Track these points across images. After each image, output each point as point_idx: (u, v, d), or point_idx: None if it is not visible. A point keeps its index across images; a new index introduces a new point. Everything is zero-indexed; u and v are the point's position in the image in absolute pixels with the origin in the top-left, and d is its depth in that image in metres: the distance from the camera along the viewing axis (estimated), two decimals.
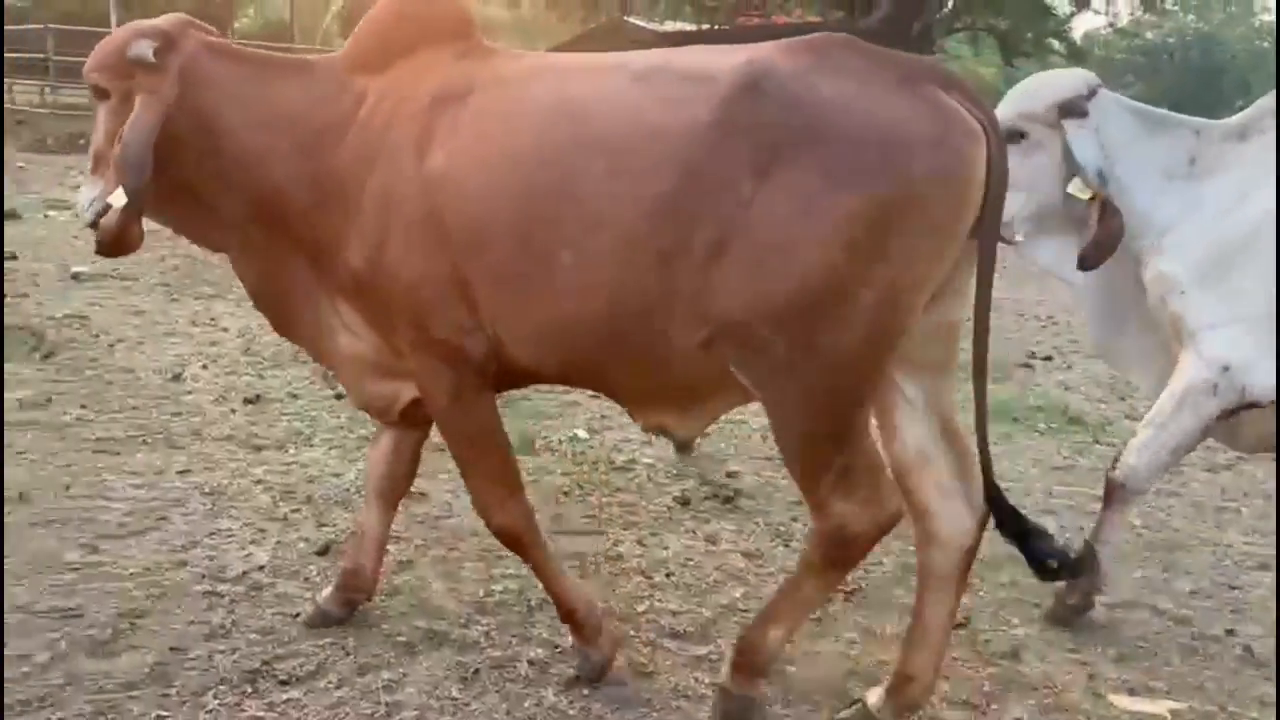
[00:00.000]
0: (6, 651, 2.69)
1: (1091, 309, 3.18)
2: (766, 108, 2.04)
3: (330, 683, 2.67)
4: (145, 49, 2.42)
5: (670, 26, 26.84)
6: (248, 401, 4.86)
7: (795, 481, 2.30)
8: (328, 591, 2.92)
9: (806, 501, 2.30)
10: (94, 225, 2.52)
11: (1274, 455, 3.09)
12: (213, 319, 6.49)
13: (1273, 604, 3.33)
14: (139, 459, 4.05)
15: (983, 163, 2.05)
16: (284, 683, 2.67)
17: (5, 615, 2.83)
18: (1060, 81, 3.06)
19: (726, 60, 2.15)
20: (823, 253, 1.99)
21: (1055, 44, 25.94)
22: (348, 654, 2.79)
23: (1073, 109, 2.93)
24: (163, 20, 2.54)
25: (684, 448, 2.51)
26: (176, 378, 5.16)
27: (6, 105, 17.79)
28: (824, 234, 1.98)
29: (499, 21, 36.88)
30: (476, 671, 2.74)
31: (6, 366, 5.01)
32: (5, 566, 3.09)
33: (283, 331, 2.78)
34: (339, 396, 4.89)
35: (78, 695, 2.54)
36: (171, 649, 2.77)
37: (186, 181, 2.50)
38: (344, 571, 2.90)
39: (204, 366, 5.41)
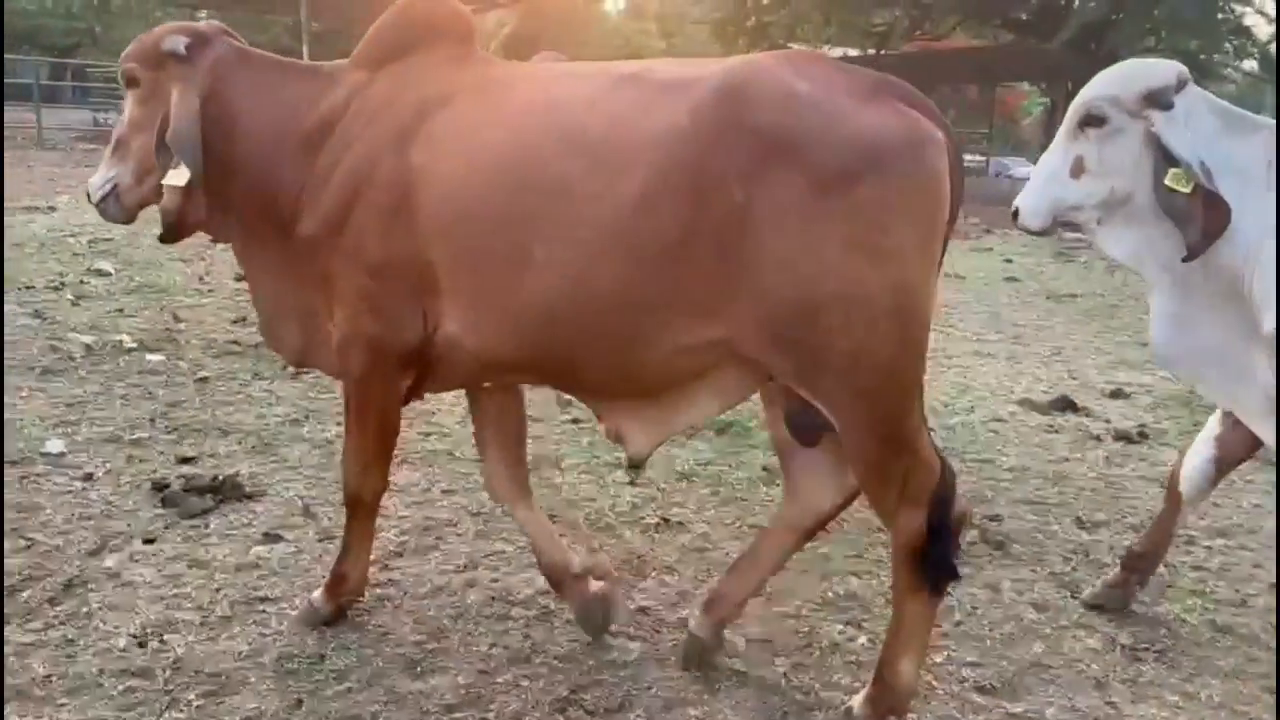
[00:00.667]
0: (323, 665, 2.78)
1: (1160, 309, 2.92)
2: (750, 112, 2.12)
3: (639, 715, 2.65)
4: (178, 43, 2.66)
5: (836, 52, 26.63)
6: None
7: (868, 497, 2.36)
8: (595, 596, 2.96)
9: (879, 517, 2.37)
10: (100, 205, 2.76)
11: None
12: None
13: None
14: (403, 477, 4.16)
15: (947, 166, 2.16)
16: (591, 713, 2.66)
17: (311, 630, 2.93)
18: (1151, 70, 2.88)
19: (706, 69, 2.26)
20: (827, 259, 2.09)
21: (1247, 66, 24.66)
22: (649, 687, 2.77)
23: (1159, 99, 2.79)
24: (200, 24, 2.81)
25: (635, 467, 2.68)
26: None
27: None
28: (823, 240, 2.08)
29: (654, 50, 37.18)
30: (785, 714, 2.68)
31: (266, 384, 5.27)
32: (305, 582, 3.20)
33: (268, 331, 2.89)
34: (574, 421, 4.94)
35: (402, 714, 2.59)
36: (480, 671, 2.80)
37: (211, 170, 2.65)
38: (550, 572, 3.00)
39: None
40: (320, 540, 3.52)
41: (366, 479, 2.73)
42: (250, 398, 5.07)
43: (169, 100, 2.62)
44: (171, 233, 2.73)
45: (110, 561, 3.26)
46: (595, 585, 2.95)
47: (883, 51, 24.08)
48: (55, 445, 4.16)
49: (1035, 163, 3.17)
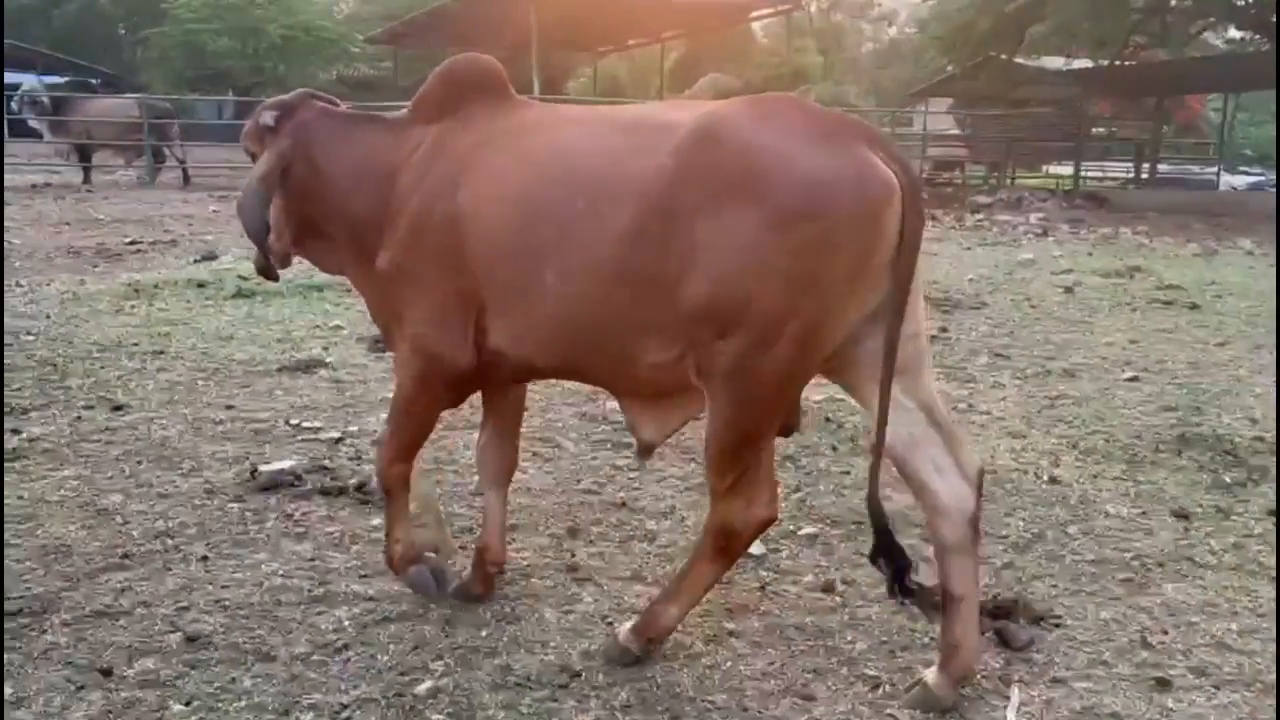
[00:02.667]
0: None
1: None
2: (715, 153, 2.36)
3: None
4: (269, 118, 3.04)
5: (1053, 64, 26.00)
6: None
7: (707, 475, 2.60)
8: (468, 574, 3.16)
9: (710, 495, 2.60)
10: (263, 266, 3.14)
11: None
12: None
13: None
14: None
15: (896, 210, 2.32)
16: None
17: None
18: None
19: (691, 113, 2.51)
20: (759, 283, 2.31)
21: None
22: None
23: None
24: (290, 95, 3.19)
25: (645, 453, 2.84)
26: None
27: None
28: (761, 266, 2.30)
29: (813, 65, 37.05)
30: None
31: None
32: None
33: (385, 335, 3.17)
34: None
35: None
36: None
37: (310, 217, 3.04)
38: (478, 550, 3.17)
39: None
40: None
41: (395, 467, 3.02)
42: None
43: None
44: (264, 273, 3.17)
45: None
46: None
47: (1114, 63, 23.45)
48: None
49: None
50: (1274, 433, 4.78)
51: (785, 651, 2.85)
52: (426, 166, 2.85)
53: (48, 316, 6.75)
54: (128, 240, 10.86)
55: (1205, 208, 18.71)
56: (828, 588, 3.24)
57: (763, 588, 3.23)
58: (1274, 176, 26.23)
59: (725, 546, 2.61)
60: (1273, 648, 2.93)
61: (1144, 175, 25.36)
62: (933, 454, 2.55)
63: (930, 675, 2.61)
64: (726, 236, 2.33)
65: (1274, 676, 2.77)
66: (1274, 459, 4.44)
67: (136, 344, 6.03)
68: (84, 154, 19.18)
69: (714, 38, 27.92)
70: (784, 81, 23.25)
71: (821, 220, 2.27)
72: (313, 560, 3.33)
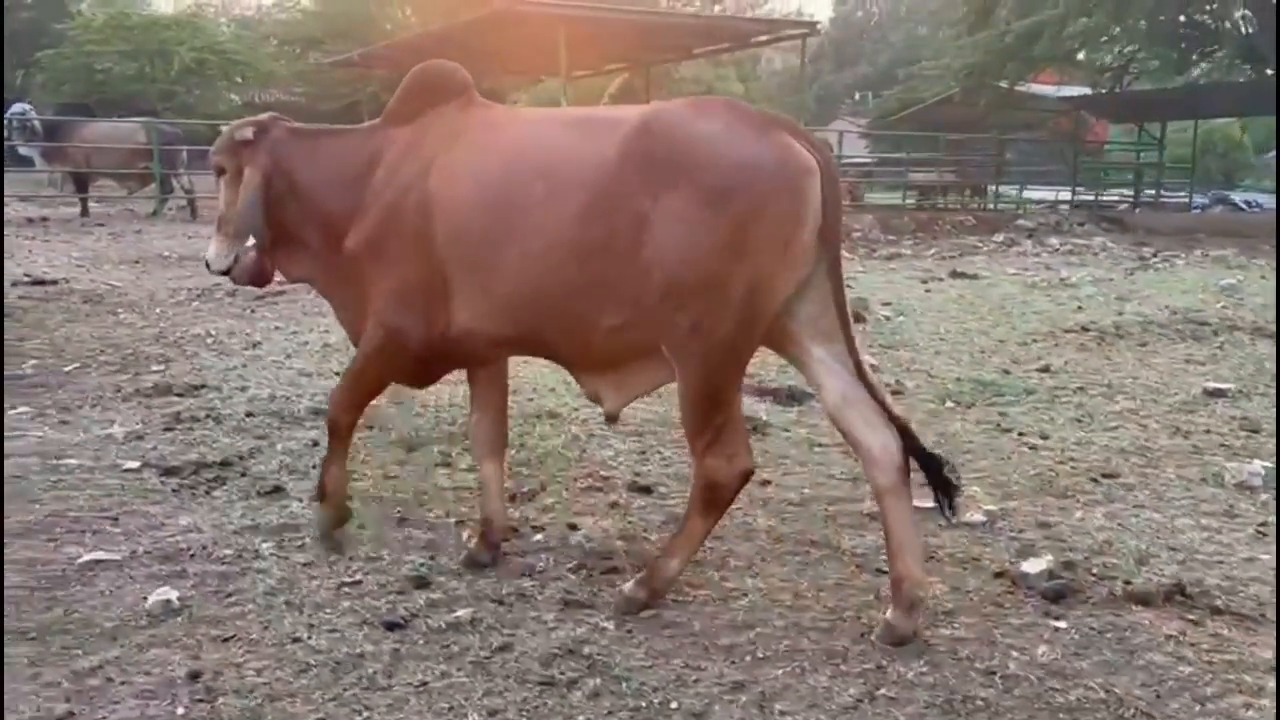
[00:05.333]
0: None
1: None
2: (655, 144, 2.70)
3: None
4: (247, 131, 3.31)
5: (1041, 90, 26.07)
6: None
7: (688, 439, 2.86)
8: (474, 542, 3.37)
9: (692, 456, 2.87)
10: (226, 273, 3.38)
11: None
12: None
13: None
14: None
15: (817, 189, 2.67)
16: None
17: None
18: None
19: (634, 111, 2.86)
20: (701, 255, 2.62)
21: None
22: None
23: None
24: (259, 116, 3.46)
25: (611, 420, 3.14)
26: None
27: None
28: (700, 240, 2.62)
29: (733, 91, 38.12)
30: None
31: None
32: None
33: (350, 330, 3.42)
34: None
35: None
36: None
37: (283, 225, 3.33)
38: (482, 520, 3.39)
39: None
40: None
41: (347, 415, 3.36)
42: None
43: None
44: (247, 282, 3.44)
45: None
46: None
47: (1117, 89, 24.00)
48: None
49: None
50: None
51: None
52: (400, 159, 3.13)
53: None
54: None
55: (1223, 229, 19.21)
56: None
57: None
58: (1235, 197, 27.44)
59: (713, 499, 2.85)
60: None
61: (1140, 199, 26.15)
62: (862, 411, 2.81)
63: (889, 613, 2.84)
64: (670, 216, 2.64)
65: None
66: None
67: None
68: (81, 183, 17.76)
69: (654, 70, 28.17)
70: None
71: (751, 195, 2.60)
72: None
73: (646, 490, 4.04)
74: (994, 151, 25.28)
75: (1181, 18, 22.17)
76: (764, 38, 22.64)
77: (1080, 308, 8.93)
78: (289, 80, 34.04)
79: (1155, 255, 14.50)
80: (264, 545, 3.40)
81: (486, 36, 18.98)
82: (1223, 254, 14.48)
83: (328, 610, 2.94)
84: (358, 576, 3.18)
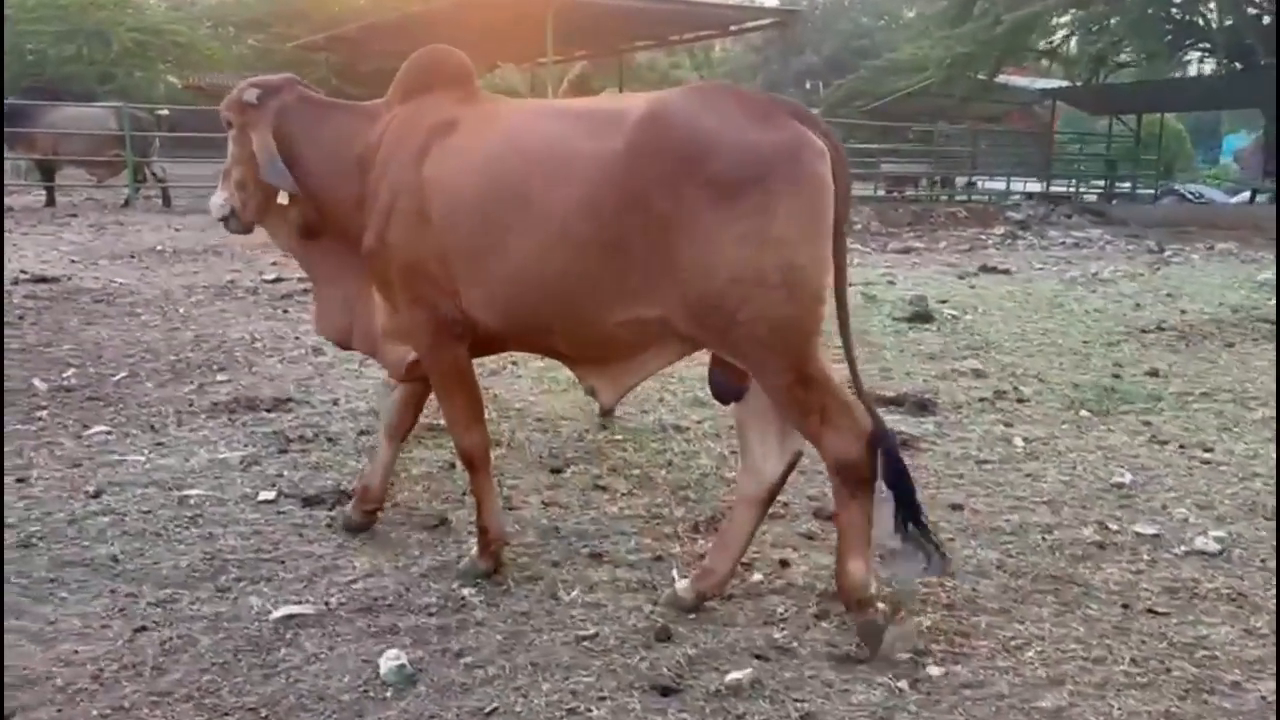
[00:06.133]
0: None
1: None
2: (665, 136, 2.60)
3: None
4: (252, 94, 3.22)
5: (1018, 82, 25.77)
6: None
7: (799, 431, 2.76)
8: (348, 507, 3.50)
9: (813, 444, 2.72)
10: (224, 221, 3.36)
11: None
12: None
13: None
14: None
15: (830, 172, 2.59)
16: None
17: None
18: None
19: (637, 102, 2.75)
20: (732, 245, 2.53)
21: None
22: None
23: None
24: (274, 76, 3.36)
25: (607, 413, 3.26)
26: None
27: None
28: (724, 236, 2.53)
29: (689, 78, 38.12)
30: None
31: None
32: None
33: (322, 323, 3.42)
34: None
35: None
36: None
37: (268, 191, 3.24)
38: (359, 489, 3.48)
39: None
40: None
41: (469, 436, 3.12)
42: None
43: (251, 139, 3.19)
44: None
45: None
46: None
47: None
48: None
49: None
50: None
51: None
52: (397, 143, 3.04)
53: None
54: (265, 275, 9.45)
55: (1210, 221, 19.31)
56: None
57: None
58: (1179, 188, 27.70)
59: (853, 478, 2.67)
60: None
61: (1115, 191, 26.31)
62: (764, 430, 2.90)
63: (680, 584, 2.98)
64: (693, 213, 2.54)
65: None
66: None
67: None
68: (47, 171, 16.87)
69: (611, 60, 27.87)
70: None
71: (770, 183, 2.52)
72: None
73: (831, 519, 3.72)
74: (968, 143, 25.29)
75: (1172, 10, 22.34)
76: (749, 24, 22.56)
77: (1138, 305, 8.80)
78: (232, 63, 32.87)
79: (1162, 249, 14.48)
80: (466, 591, 3.04)
81: (467, 20, 18.46)
82: (1227, 247, 14.56)
83: (583, 672, 2.60)
84: (589, 628, 2.84)
